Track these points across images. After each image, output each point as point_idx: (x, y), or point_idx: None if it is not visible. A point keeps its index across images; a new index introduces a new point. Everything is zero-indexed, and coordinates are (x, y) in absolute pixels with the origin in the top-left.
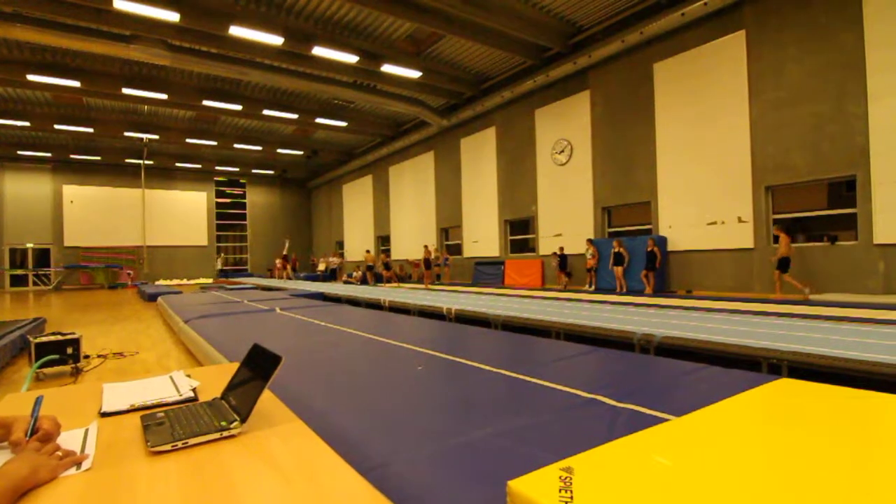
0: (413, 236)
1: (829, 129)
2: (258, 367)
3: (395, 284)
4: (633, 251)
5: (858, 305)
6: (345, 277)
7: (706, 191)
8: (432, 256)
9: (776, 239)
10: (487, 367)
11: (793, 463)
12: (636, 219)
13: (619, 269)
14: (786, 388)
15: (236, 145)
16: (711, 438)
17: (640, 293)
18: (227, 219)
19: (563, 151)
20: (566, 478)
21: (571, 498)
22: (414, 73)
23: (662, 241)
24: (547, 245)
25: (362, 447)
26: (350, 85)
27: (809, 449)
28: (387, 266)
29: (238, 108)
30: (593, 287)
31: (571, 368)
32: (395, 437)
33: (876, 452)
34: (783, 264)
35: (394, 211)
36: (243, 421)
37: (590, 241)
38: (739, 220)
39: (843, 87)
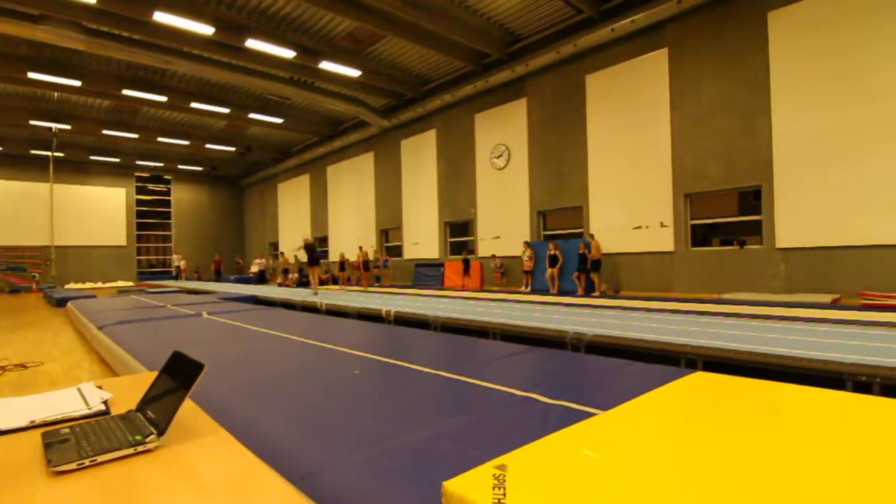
0: (352, 237)
1: (740, 143)
2: (179, 375)
3: (314, 287)
4: (566, 254)
5: (764, 304)
6: (279, 280)
7: (633, 197)
8: (371, 258)
9: (589, 246)
10: (426, 369)
11: (706, 448)
12: (569, 222)
13: (553, 271)
14: (700, 380)
15: (160, 139)
16: (634, 430)
17: (573, 294)
18: (150, 217)
19: (501, 156)
20: (500, 475)
21: (504, 495)
22: (354, 72)
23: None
24: (486, 247)
25: (294, 455)
26: (286, 81)
27: (722, 435)
28: (308, 261)
29: (163, 99)
30: (529, 288)
31: (508, 368)
32: (329, 444)
33: (780, 437)
34: (595, 265)
35: (332, 211)
36: (161, 434)
37: (527, 243)
38: (661, 224)
39: (751, 105)
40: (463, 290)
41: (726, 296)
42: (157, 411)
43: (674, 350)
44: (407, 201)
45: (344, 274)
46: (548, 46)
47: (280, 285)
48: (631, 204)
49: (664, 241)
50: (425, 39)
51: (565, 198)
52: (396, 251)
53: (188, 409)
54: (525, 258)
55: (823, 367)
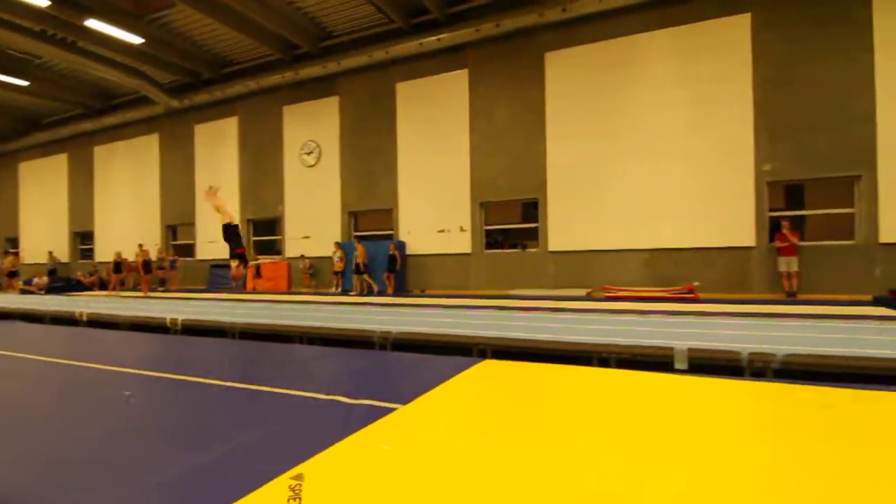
0: (129, 234)
1: (523, 160)
2: None
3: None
4: (375, 255)
5: (540, 297)
6: (21, 285)
7: (438, 202)
8: (154, 258)
9: (401, 247)
10: (219, 382)
11: (493, 428)
12: (381, 224)
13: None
14: (488, 367)
15: None
16: (430, 420)
17: (383, 293)
18: None
19: (311, 153)
20: (296, 486)
21: None
22: (133, 38)
23: (402, 246)
24: (295, 247)
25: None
26: (36, 34)
27: (504, 412)
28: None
29: None
30: (339, 289)
31: (311, 372)
32: (91, 483)
33: (560, 412)
34: (357, 268)
35: (101, 201)
36: None
37: (338, 244)
38: (461, 229)
39: (532, 130)
40: (270, 293)
41: (513, 291)
42: None
43: (468, 342)
44: (202, 194)
45: (118, 276)
46: (360, 49)
47: (24, 292)
48: (436, 208)
49: (463, 243)
50: (224, 15)
51: (376, 199)
52: (187, 250)
53: None
54: (336, 259)
55: (581, 347)
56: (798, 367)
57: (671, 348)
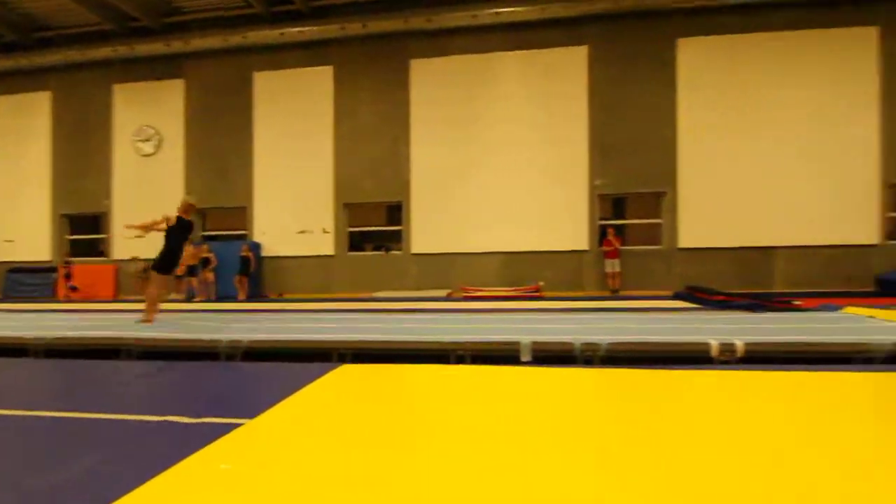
0: None
1: (388, 163)
2: None
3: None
4: (226, 256)
5: (402, 299)
6: None
7: (299, 202)
8: None
9: (256, 248)
10: (14, 412)
11: (351, 433)
12: (232, 223)
13: (209, 275)
14: (346, 372)
15: None
16: (279, 433)
17: (234, 299)
18: None
19: (149, 140)
20: None
21: None
22: None
23: (256, 247)
24: (125, 248)
25: None
26: None
27: (358, 416)
28: None
29: None
30: (184, 295)
31: (141, 391)
32: None
33: (418, 410)
34: (191, 270)
35: None
36: None
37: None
38: (324, 230)
39: (397, 133)
40: (92, 301)
41: (376, 294)
42: None
43: (327, 347)
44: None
45: None
46: (213, 29)
47: None
48: (296, 208)
49: (326, 245)
50: None
51: (228, 196)
52: None
53: None
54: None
55: (438, 346)
56: (619, 353)
57: (518, 342)
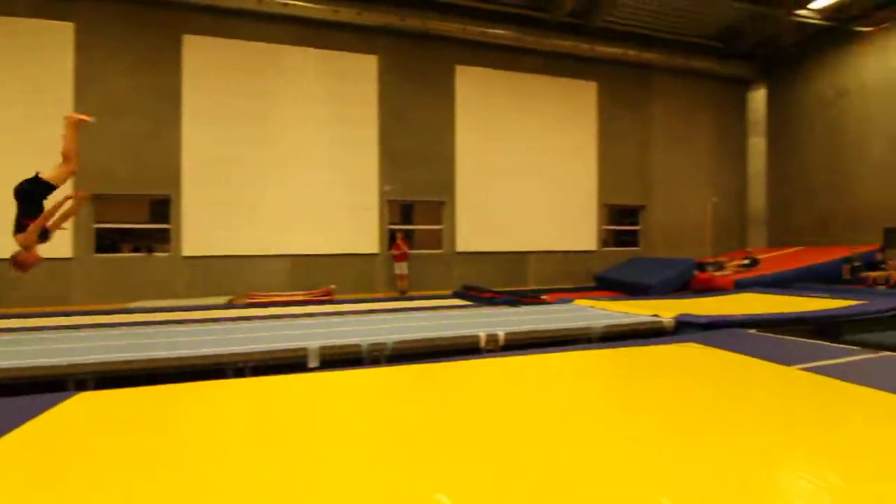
0: None
1: (151, 149)
2: None
3: None
4: None
5: (170, 309)
6: None
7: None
8: None
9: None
10: None
11: (74, 483)
12: None
13: None
14: (83, 403)
15: None
16: None
17: None
18: None
19: None
20: None
21: None
22: None
23: None
24: None
25: None
26: None
27: (98, 458)
28: None
29: None
30: None
31: None
32: None
33: (175, 439)
34: None
35: None
36: None
37: None
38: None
39: (164, 115)
40: None
41: (135, 304)
42: None
43: (59, 374)
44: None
45: None
46: None
47: None
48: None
49: (62, 246)
50: None
51: None
52: None
53: None
54: None
55: (212, 361)
56: (404, 351)
57: (305, 348)
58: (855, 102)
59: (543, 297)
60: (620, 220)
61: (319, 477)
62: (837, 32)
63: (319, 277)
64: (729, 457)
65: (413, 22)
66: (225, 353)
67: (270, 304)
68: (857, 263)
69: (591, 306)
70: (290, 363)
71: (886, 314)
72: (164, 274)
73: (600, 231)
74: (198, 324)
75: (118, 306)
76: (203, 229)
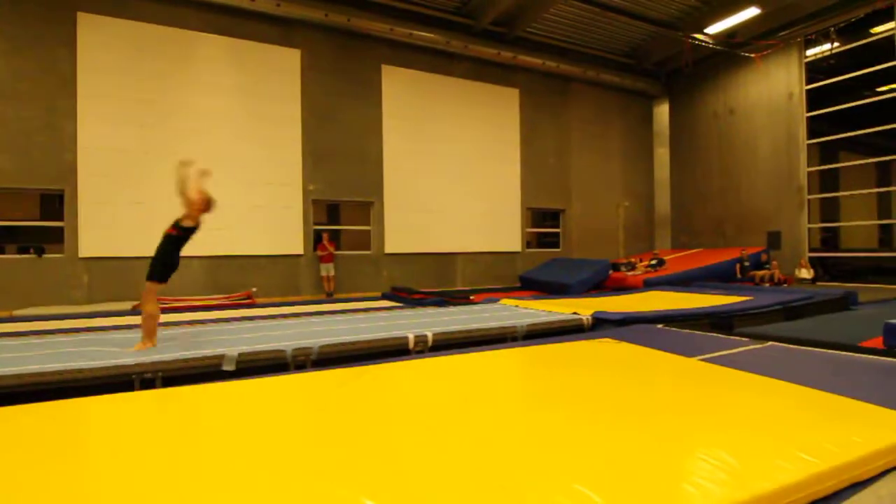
0: None
1: (40, 140)
2: None
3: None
4: None
5: (65, 316)
6: None
7: None
8: None
9: None
10: None
11: None
12: None
13: None
14: None
15: None
16: None
17: None
18: None
19: None
20: None
21: None
22: None
23: None
24: None
25: None
26: None
27: None
28: None
29: None
30: None
31: None
32: None
33: (71, 457)
34: None
35: None
36: None
37: None
38: None
39: (54, 101)
40: None
41: (23, 311)
42: None
43: None
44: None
45: None
46: None
47: None
48: None
49: None
50: None
51: None
52: None
53: None
54: None
55: (111, 373)
56: (330, 355)
57: (222, 355)
58: (742, 119)
59: (471, 297)
60: (543, 222)
61: (239, 493)
62: (728, 56)
63: (239, 280)
64: (637, 441)
65: (337, 18)
66: (131, 363)
67: (184, 309)
68: (746, 263)
69: (516, 306)
70: (204, 372)
71: (770, 308)
72: (57, 277)
73: (524, 233)
74: (99, 332)
75: (3, 314)
76: (103, 228)
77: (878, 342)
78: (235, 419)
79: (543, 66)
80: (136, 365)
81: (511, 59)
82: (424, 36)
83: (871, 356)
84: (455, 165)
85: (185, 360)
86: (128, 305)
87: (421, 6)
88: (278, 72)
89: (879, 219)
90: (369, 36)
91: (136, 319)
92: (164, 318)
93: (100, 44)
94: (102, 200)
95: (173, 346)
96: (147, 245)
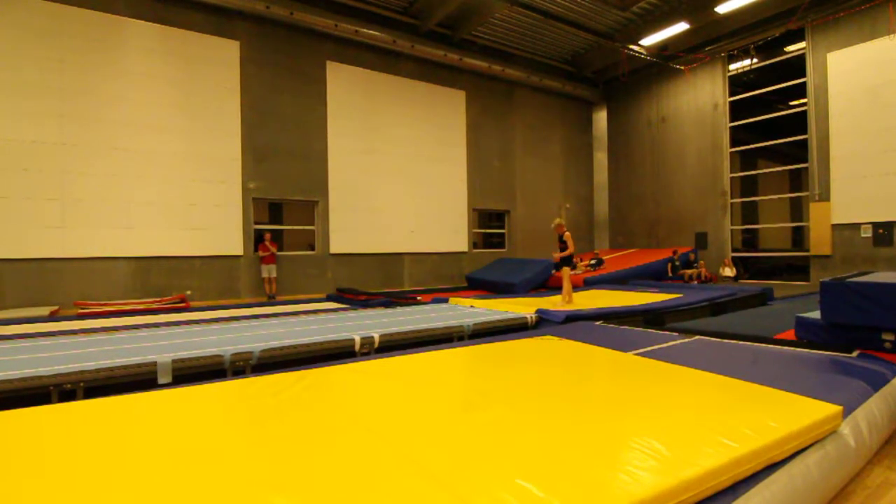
0: None
1: None
2: None
3: None
4: None
5: None
6: None
7: None
8: None
9: None
10: None
11: None
12: None
13: None
14: None
15: None
16: None
17: None
18: None
19: None
20: None
21: None
22: None
23: None
24: None
25: None
26: None
27: None
28: None
29: None
30: None
31: None
32: None
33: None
34: None
35: None
36: None
37: None
38: None
39: None
40: None
41: None
42: None
43: None
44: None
45: None
46: None
47: None
48: None
49: None
50: None
51: None
52: None
53: None
54: None
55: (27, 384)
56: (272, 359)
57: (154, 363)
58: (673, 127)
59: (419, 297)
60: (489, 223)
61: None
62: (661, 67)
63: (172, 283)
64: (576, 433)
65: (279, 11)
66: (47, 373)
67: (109, 314)
68: (677, 263)
69: (463, 305)
70: (135, 381)
71: (698, 305)
72: None
73: (471, 233)
74: (8, 340)
75: None
76: (13, 227)
77: (790, 334)
78: (162, 431)
79: (489, 69)
80: (53, 376)
81: (457, 62)
82: (370, 34)
83: (784, 347)
84: (402, 165)
85: (112, 369)
86: (46, 310)
87: (367, 3)
88: (215, 63)
89: (791, 221)
90: (313, 31)
91: (54, 326)
92: (86, 324)
93: (9, 21)
94: (13, 196)
95: (97, 354)
96: (65, 245)
